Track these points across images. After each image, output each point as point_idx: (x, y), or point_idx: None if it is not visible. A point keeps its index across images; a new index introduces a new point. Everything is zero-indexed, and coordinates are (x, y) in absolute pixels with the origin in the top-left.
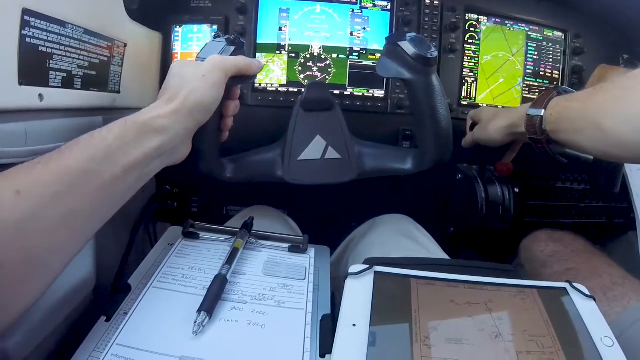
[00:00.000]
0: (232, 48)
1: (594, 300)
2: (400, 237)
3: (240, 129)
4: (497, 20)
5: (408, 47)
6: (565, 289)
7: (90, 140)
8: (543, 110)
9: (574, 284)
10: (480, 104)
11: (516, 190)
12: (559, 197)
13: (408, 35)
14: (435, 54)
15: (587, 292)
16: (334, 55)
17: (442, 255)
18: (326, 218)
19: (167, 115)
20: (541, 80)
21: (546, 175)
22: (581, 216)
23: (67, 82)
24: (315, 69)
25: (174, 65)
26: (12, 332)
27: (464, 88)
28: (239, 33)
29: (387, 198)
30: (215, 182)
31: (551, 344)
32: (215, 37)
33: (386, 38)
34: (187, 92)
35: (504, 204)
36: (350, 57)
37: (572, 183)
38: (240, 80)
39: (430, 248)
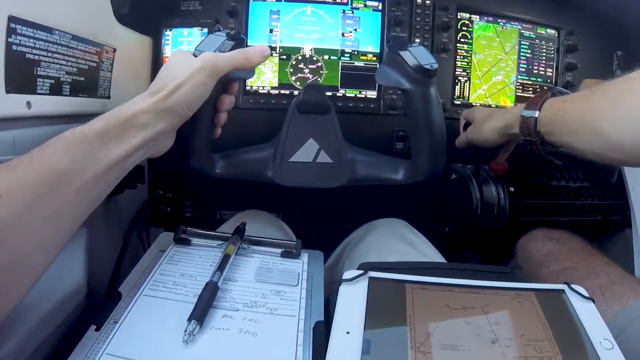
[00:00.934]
0: (232, 43)
1: (593, 302)
2: (396, 241)
3: (232, 132)
4: (490, 18)
5: (409, 57)
6: (563, 290)
7: (72, 137)
8: (537, 112)
9: (572, 286)
10: (473, 103)
11: (511, 189)
12: (554, 195)
13: (410, 45)
14: (436, 65)
15: (585, 294)
16: (326, 57)
17: (438, 258)
18: (321, 221)
19: (148, 110)
20: (535, 79)
21: (541, 174)
22: (577, 214)
23: (56, 89)
24: (306, 70)
25: (173, 54)
26: (3, 343)
27: (457, 87)
28: None
29: (381, 199)
30: (209, 186)
31: (549, 348)
32: (215, 31)
33: (388, 46)
34: (171, 87)
35: (499, 203)
36: (342, 58)
37: (568, 181)
38: (240, 74)
39: (426, 251)
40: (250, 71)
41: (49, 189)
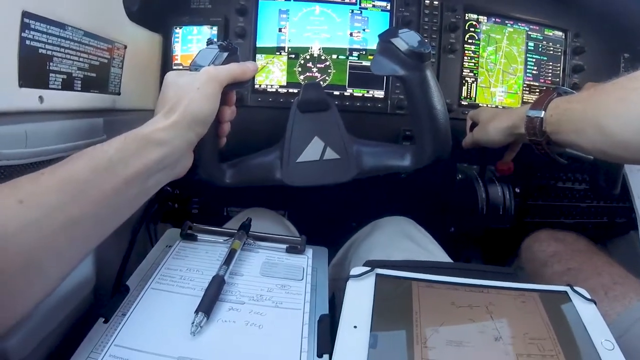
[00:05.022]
0: (225, 54)
1: (595, 303)
2: (402, 239)
3: (241, 131)
4: (497, 20)
5: (400, 44)
6: (566, 292)
7: (92, 152)
8: (543, 112)
9: (575, 288)
10: (480, 104)
11: (517, 190)
12: (559, 197)
13: (400, 31)
14: (429, 49)
15: (587, 296)
16: (334, 56)
17: (444, 257)
18: (326, 219)
19: (167, 128)
20: (541, 80)
21: (547, 175)
22: (582, 216)
23: (67, 84)
24: (314, 69)
25: (169, 76)
26: (12, 333)
27: (464, 88)
28: (239, 34)
29: (387, 198)
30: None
31: (552, 347)
32: (208, 44)
33: (379, 35)
34: (184, 105)
35: (504, 204)
36: (350, 57)
37: (573, 183)
38: (235, 86)
39: (432, 250)
40: (246, 82)
41: (69, 197)
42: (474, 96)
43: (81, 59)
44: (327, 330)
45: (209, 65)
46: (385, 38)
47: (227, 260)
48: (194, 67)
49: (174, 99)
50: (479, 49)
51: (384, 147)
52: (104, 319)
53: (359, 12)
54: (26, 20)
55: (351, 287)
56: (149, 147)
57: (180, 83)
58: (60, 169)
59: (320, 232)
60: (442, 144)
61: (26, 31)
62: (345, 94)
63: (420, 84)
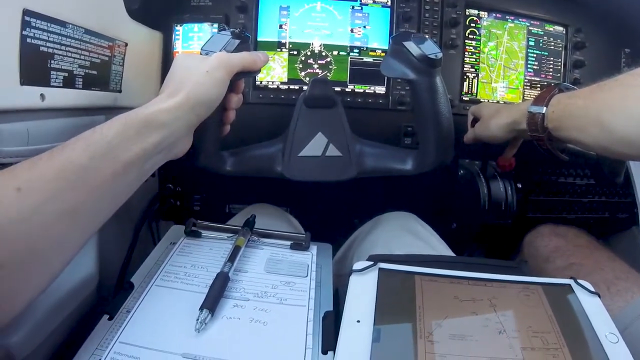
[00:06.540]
0: (237, 42)
1: (599, 296)
2: (404, 234)
3: (241, 127)
4: (498, 15)
5: (413, 48)
6: (569, 285)
7: (91, 136)
8: (544, 108)
9: (579, 281)
10: (481, 100)
11: (519, 185)
12: (561, 192)
13: (414, 35)
14: (440, 55)
15: (591, 289)
16: (335, 53)
17: (446, 252)
18: (329, 215)
19: (168, 110)
20: (542, 76)
21: (548, 171)
22: (584, 211)
23: (69, 82)
24: (316, 66)
25: (178, 58)
26: (15, 330)
27: (465, 84)
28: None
29: (389, 194)
30: (218, 180)
31: (555, 340)
32: (220, 30)
33: (391, 37)
34: (190, 87)
35: (506, 199)
36: (351, 54)
37: (575, 178)
38: (244, 75)
39: (434, 245)
40: (255, 72)
41: (68, 184)
42: (475, 92)
43: (82, 57)
44: (331, 327)
45: (219, 51)
46: (397, 41)
47: (232, 257)
48: (205, 52)
49: (180, 80)
50: (479, 44)
51: (387, 150)
52: (108, 316)
53: (360, 8)
54: (27, 18)
55: (354, 281)
56: (149, 130)
57: (189, 65)
58: (58, 155)
59: (323, 228)
60: (444, 151)
61: (27, 29)
62: (347, 90)
63: (428, 90)
